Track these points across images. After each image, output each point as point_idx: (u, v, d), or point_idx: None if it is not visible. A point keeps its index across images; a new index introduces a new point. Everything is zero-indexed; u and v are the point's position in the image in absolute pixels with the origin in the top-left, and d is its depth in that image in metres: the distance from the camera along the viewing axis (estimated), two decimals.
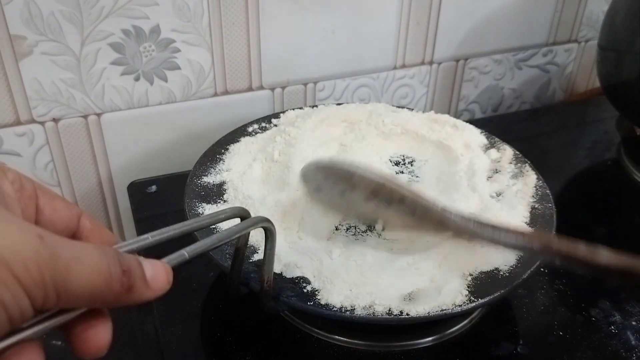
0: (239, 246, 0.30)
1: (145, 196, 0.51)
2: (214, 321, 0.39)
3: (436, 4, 0.59)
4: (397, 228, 0.39)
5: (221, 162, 0.45)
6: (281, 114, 0.50)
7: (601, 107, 0.65)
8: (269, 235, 0.30)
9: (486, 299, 0.34)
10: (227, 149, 0.46)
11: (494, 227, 0.34)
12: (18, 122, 0.47)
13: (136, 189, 0.51)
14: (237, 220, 0.28)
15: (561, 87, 0.74)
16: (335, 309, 0.33)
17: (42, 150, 0.49)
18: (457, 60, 0.64)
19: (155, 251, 0.23)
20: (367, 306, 0.33)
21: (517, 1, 0.63)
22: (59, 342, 0.20)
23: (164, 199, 0.50)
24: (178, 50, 0.50)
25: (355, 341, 0.38)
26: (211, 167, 0.44)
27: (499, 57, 0.66)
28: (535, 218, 0.41)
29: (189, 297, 0.40)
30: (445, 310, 0.33)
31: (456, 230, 0.35)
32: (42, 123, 0.48)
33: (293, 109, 0.50)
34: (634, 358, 0.38)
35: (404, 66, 0.61)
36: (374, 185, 0.36)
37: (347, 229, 0.40)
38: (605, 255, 0.31)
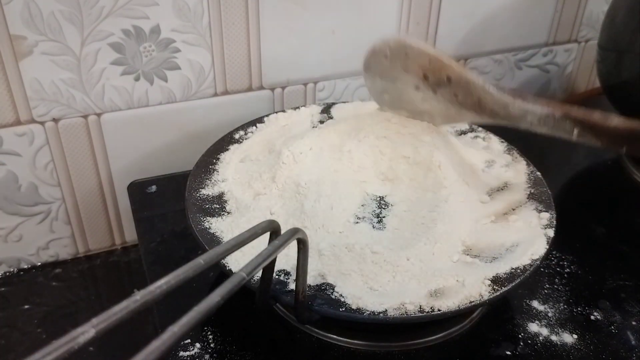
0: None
1: (145, 196, 0.51)
2: (214, 321, 0.39)
3: (436, 4, 0.59)
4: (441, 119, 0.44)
5: (215, 172, 0.45)
6: (265, 118, 0.51)
7: (601, 107, 0.65)
8: (302, 246, 0.30)
9: (510, 286, 0.34)
10: (218, 158, 0.46)
11: (525, 97, 0.38)
12: (18, 122, 0.47)
13: (136, 189, 0.51)
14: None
15: (561, 87, 0.74)
16: (367, 312, 0.33)
17: (42, 150, 0.49)
18: (457, 60, 0.64)
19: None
20: (399, 306, 0.33)
21: (517, 1, 0.63)
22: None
23: (164, 199, 0.51)
24: (178, 50, 0.50)
25: (355, 341, 0.38)
26: (207, 179, 0.44)
27: (499, 57, 0.66)
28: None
29: (189, 297, 0.40)
30: (474, 302, 0.33)
31: (492, 107, 0.39)
32: (42, 123, 0.48)
33: (276, 112, 0.51)
34: (634, 358, 0.38)
35: None
36: (426, 60, 0.41)
37: (357, 222, 0.40)
38: (616, 119, 0.36)
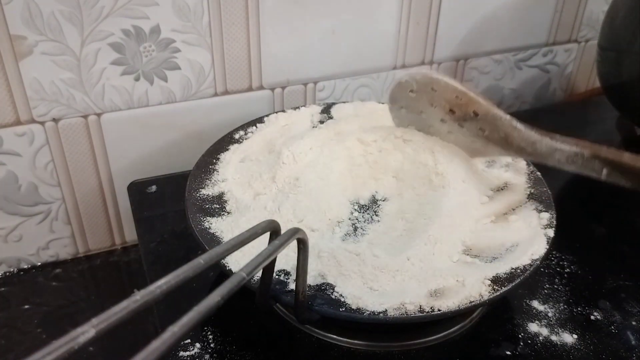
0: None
1: (145, 196, 0.51)
2: (214, 321, 0.39)
3: (436, 4, 0.59)
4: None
5: (215, 172, 0.45)
6: (265, 118, 0.51)
7: (601, 107, 0.65)
8: (302, 246, 0.30)
9: (510, 286, 0.34)
10: (218, 158, 0.46)
11: (553, 136, 0.38)
12: (18, 122, 0.47)
13: (136, 189, 0.51)
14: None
15: (561, 87, 0.74)
16: (367, 312, 0.33)
17: (42, 150, 0.49)
18: (457, 60, 0.64)
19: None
20: (399, 306, 0.33)
21: (517, 1, 0.63)
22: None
23: (164, 199, 0.51)
24: (178, 50, 0.50)
25: (355, 341, 0.38)
26: (207, 179, 0.44)
27: (499, 57, 0.66)
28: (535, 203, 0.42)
29: (189, 297, 0.40)
30: (474, 302, 0.33)
31: (519, 144, 0.39)
32: (42, 123, 0.48)
33: (276, 112, 0.51)
34: (634, 358, 0.38)
35: (404, 66, 0.61)
36: (453, 95, 0.41)
37: (355, 211, 0.40)
38: None
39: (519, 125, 0.39)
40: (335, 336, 0.38)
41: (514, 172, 0.45)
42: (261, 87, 0.55)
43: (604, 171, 0.36)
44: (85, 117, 0.49)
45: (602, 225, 0.50)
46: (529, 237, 0.39)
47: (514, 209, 0.42)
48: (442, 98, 0.42)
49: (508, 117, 0.40)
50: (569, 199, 0.54)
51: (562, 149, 0.37)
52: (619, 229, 0.51)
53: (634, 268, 0.45)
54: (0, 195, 0.49)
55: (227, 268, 0.35)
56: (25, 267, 0.53)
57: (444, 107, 0.42)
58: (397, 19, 0.58)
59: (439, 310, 0.33)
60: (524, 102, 0.72)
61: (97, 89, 0.48)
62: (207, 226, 0.39)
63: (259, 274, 0.32)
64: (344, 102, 0.54)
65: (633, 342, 0.39)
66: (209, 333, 0.38)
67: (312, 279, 0.35)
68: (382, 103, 0.53)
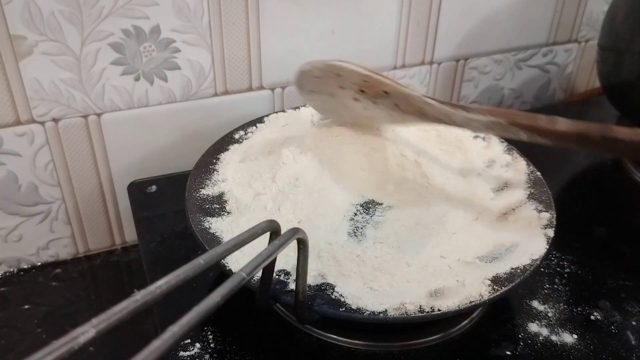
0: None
1: (145, 196, 0.51)
2: (214, 321, 0.39)
3: (436, 4, 0.59)
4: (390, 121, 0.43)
5: (215, 172, 0.45)
6: (265, 118, 0.51)
7: (601, 107, 0.65)
8: (302, 246, 0.30)
9: (510, 286, 0.34)
10: (218, 158, 0.46)
11: (466, 108, 0.38)
12: (18, 122, 0.47)
13: (136, 189, 0.51)
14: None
15: (561, 87, 0.74)
16: (367, 312, 0.33)
17: (42, 150, 0.49)
18: (457, 60, 0.64)
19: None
20: (399, 306, 0.33)
21: (517, 1, 0.63)
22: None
23: (164, 199, 0.51)
24: (178, 50, 0.50)
25: (355, 341, 0.38)
26: (207, 179, 0.44)
27: (499, 57, 0.66)
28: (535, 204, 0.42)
29: (189, 297, 0.40)
30: (474, 302, 0.33)
31: (435, 115, 0.39)
32: (42, 123, 0.48)
33: (276, 112, 0.51)
34: (634, 358, 0.38)
35: (404, 66, 0.61)
36: (359, 79, 0.39)
37: (353, 217, 0.40)
38: (562, 122, 0.36)
39: (430, 101, 0.39)
40: (335, 336, 0.38)
41: (514, 172, 0.45)
42: (261, 87, 0.55)
43: (524, 135, 0.36)
44: (85, 117, 0.49)
45: (602, 225, 0.50)
46: (529, 237, 0.39)
47: (514, 209, 0.42)
48: (349, 81, 0.40)
49: (417, 93, 0.39)
50: (569, 199, 0.54)
51: (478, 120, 0.37)
52: (619, 229, 0.51)
53: (634, 268, 0.45)
54: (0, 195, 0.49)
55: (227, 268, 0.35)
56: (25, 267, 0.53)
57: (353, 88, 0.41)
58: (397, 19, 0.58)
59: (439, 310, 0.33)
60: (524, 102, 0.72)
61: (97, 89, 0.48)
62: (207, 226, 0.39)
63: (259, 274, 0.32)
64: None
65: (633, 342, 0.39)
66: (209, 333, 0.38)
67: (312, 279, 0.35)
68: None
